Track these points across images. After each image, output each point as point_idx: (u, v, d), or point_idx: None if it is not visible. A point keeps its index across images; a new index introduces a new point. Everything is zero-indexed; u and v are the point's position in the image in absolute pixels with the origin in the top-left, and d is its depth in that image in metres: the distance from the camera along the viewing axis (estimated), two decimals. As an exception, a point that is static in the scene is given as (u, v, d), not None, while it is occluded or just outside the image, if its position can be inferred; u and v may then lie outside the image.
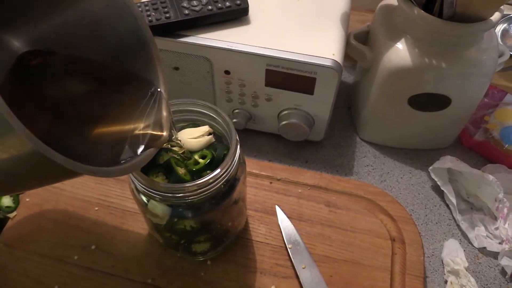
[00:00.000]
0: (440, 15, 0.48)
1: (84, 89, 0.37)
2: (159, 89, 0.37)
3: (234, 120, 0.59)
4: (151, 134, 0.35)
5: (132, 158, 0.33)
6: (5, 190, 0.36)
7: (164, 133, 0.36)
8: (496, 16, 0.48)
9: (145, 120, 0.36)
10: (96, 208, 0.54)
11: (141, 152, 0.34)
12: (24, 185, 0.36)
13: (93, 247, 0.50)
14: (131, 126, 0.35)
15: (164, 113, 0.36)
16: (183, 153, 0.40)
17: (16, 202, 0.54)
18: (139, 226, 0.52)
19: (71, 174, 0.26)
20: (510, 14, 0.69)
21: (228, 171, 0.38)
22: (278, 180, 0.56)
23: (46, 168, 0.26)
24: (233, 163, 0.39)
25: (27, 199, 0.54)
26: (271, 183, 0.56)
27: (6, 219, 0.53)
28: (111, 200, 0.54)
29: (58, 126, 0.33)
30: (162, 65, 0.38)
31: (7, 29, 0.34)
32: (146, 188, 0.37)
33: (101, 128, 0.35)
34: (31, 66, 0.35)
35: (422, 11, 0.48)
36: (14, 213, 0.53)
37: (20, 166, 0.26)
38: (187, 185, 0.36)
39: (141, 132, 0.35)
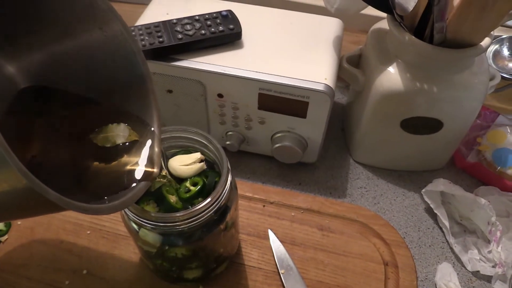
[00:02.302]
0: (431, 40, 0.48)
1: (77, 124, 0.37)
2: (152, 126, 0.38)
3: (228, 142, 0.59)
4: (143, 170, 0.35)
5: (123, 193, 0.33)
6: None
7: (155, 170, 0.36)
8: (486, 41, 0.48)
9: (137, 156, 0.36)
10: (88, 232, 0.53)
11: (132, 186, 0.34)
12: (9, 217, 0.36)
13: (84, 271, 0.50)
14: (123, 161, 0.35)
15: (156, 150, 0.37)
16: (171, 183, 0.40)
17: (8, 225, 0.54)
18: (131, 251, 0.52)
19: (60, 209, 0.26)
20: (501, 36, 0.70)
21: (219, 199, 0.38)
22: (271, 203, 0.56)
23: (37, 203, 0.26)
24: (224, 191, 0.39)
25: (19, 223, 0.54)
26: (264, 206, 0.56)
27: (-3, 242, 0.53)
28: (103, 224, 0.54)
29: (49, 160, 0.33)
30: (157, 101, 0.38)
31: (1, 53, 0.34)
32: (137, 217, 0.37)
33: (92, 162, 0.35)
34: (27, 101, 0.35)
35: (413, 36, 0.49)
36: (6, 237, 0.53)
37: (10, 199, 0.26)
38: (178, 214, 0.36)
39: (132, 167, 0.35)
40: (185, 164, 0.42)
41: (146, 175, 0.35)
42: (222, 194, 0.38)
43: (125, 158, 0.36)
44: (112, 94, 0.37)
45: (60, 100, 0.36)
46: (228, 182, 0.39)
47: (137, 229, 0.40)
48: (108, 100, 0.37)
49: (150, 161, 0.36)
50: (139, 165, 0.36)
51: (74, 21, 0.34)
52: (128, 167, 0.36)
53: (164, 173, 0.40)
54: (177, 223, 0.37)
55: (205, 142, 0.42)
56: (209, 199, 0.37)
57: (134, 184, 0.35)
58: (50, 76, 0.36)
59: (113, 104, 0.38)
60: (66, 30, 0.35)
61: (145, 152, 0.36)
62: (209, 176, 0.42)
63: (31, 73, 0.35)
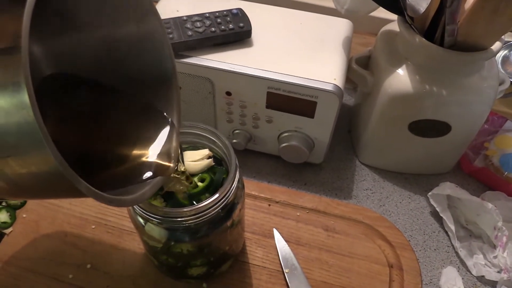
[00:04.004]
0: (441, 43, 0.48)
1: (98, 113, 0.37)
2: (172, 119, 0.38)
3: (234, 140, 0.59)
4: (159, 163, 0.35)
5: (138, 186, 0.33)
6: (9, 197, 0.36)
7: (171, 164, 0.36)
8: (496, 45, 0.48)
9: (155, 149, 0.36)
10: (93, 226, 0.53)
11: (148, 179, 0.34)
12: (27, 197, 0.36)
13: (88, 266, 0.50)
14: (140, 154, 0.35)
15: (174, 144, 0.37)
16: (189, 181, 0.40)
17: (13, 218, 0.54)
18: (136, 246, 0.52)
19: (80, 196, 0.26)
20: (510, 41, 0.70)
21: (226, 196, 0.38)
22: (277, 202, 0.56)
23: (60, 188, 0.26)
24: (232, 188, 0.38)
25: (24, 215, 0.54)
26: (269, 205, 0.56)
27: (1, 235, 0.53)
28: (108, 219, 0.54)
29: (69, 147, 0.33)
30: (179, 96, 0.38)
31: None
32: (144, 211, 0.37)
33: (109, 152, 0.35)
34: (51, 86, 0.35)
35: (424, 39, 0.49)
36: (10, 229, 0.53)
37: (35, 182, 0.26)
38: (185, 209, 0.36)
39: (149, 160, 0.35)
40: (193, 160, 0.41)
41: (163, 169, 0.35)
42: (230, 191, 0.38)
43: (143, 151, 0.36)
44: (136, 86, 0.37)
45: (81, 87, 0.36)
46: (236, 179, 0.39)
47: (143, 224, 0.40)
48: (131, 92, 0.37)
49: (167, 156, 0.36)
50: (157, 159, 0.36)
51: (111, 10, 0.34)
52: (145, 160, 0.36)
53: (183, 169, 0.39)
54: (184, 219, 0.37)
55: (214, 139, 0.42)
56: (216, 195, 0.37)
57: (150, 178, 0.34)
58: (75, 63, 0.36)
59: (136, 95, 0.38)
60: (101, 17, 0.34)
61: (163, 146, 0.36)
62: (217, 173, 0.42)
63: (56, 58, 0.35)
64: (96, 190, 0.26)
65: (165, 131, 0.38)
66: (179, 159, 0.37)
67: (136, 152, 0.36)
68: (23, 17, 0.22)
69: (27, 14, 0.22)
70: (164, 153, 0.36)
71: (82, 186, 0.25)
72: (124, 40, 0.36)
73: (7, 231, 0.53)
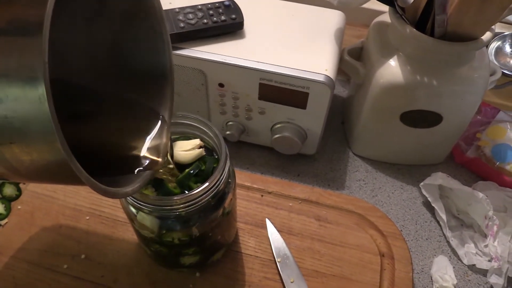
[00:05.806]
0: (432, 33, 0.48)
1: (93, 109, 0.37)
2: (164, 116, 0.38)
3: (228, 132, 0.59)
4: (149, 158, 0.36)
5: (130, 177, 0.33)
6: (6, 179, 0.37)
7: (160, 160, 0.36)
8: (487, 35, 0.48)
9: (145, 143, 0.36)
10: (87, 217, 0.54)
11: (138, 172, 0.34)
12: (23, 180, 0.36)
13: (83, 256, 0.51)
14: (131, 148, 0.36)
15: (164, 140, 0.37)
16: (174, 177, 0.40)
17: (8, 209, 0.54)
18: (129, 236, 0.52)
19: (77, 183, 0.27)
20: (503, 32, 0.70)
21: (216, 184, 0.38)
22: (269, 193, 0.57)
23: (59, 175, 0.27)
24: (222, 176, 0.39)
25: (19, 207, 0.54)
26: (262, 196, 0.56)
27: (-3, 226, 0.53)
28: (102, 210, 0.54)
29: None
30: (173, 93, 0.39)
31: None
32: (135, 200, 0.37)
33: (102, 145, 0.35)
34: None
35: (414, 29, 0.49)
36: (5, 220, 0.54)
37: (36, 168, 0.27)
38: (176, 198, 0.37)
39: (139, 154, 0.36)
40: (184, 149, 0.42)
41: (152, 163, 0.36)
42: (220, 179, 0.39)
43: (134, 146, 0.37)
44: (131, 82, 0.37)
45: (74, 87, 0.37)
46: (226, 168, 0.39)
47: (135, 213, 0.40)
48: (125, 88, 0.37)
49: (157, 151, 0.36)
50: (147, 153, 0.36)
51: (113, 5, 0.34)
52: (135, 153, 0.36)
53: (171, 166, 0.39)
54: (175, 207, 0.37)
55: (204, 129, 0.42)
56: (206, 184, 0.37)
57: (141, 171, 0.35)
58: (68, 64, 0.36)
59: (130, 92, 0.38)
60: (102, 11, 0.35)
61: (153, 141, 0.37)
62: (207, 162, 0.42)
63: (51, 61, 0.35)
64: (95, 181, 0.27)
65: (156, 127, 0.38)
66: (168, 155, 0.38)
67: (127, 146, 0.37)
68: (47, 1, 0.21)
69: None
70: (154, 148, 0.37)
71: (83, 175, 0.25)
72: (125, 36, 0.36)
73: (2, 222, 0.53)
